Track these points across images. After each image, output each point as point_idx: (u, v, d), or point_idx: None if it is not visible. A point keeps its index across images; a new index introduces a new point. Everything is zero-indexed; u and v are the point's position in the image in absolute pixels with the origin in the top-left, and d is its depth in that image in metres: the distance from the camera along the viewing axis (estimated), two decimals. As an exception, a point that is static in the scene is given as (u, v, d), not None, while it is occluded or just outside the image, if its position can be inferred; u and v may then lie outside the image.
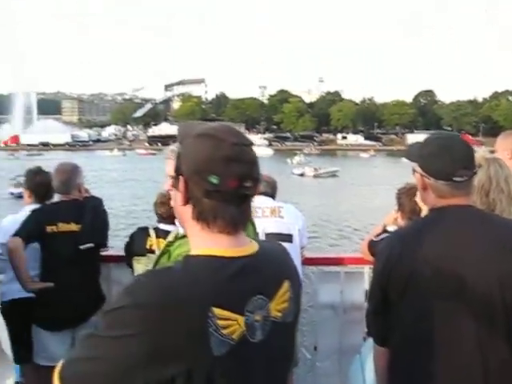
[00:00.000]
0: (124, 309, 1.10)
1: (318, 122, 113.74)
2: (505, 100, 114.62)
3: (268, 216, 3.50)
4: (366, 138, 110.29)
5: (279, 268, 1.32)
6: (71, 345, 3.47)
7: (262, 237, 3.12)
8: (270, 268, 1.28)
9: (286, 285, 1.29)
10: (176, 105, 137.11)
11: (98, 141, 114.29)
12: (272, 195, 3.68)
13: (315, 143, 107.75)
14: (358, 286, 3.70)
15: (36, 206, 3.71)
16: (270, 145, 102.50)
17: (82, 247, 3.48)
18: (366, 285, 3.65)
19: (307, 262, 3.71)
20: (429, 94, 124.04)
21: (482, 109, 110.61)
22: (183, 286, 1.13)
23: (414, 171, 1.78)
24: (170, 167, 1.89)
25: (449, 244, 1.66)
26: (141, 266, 3.32)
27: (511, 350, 1.62)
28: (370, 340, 1.98)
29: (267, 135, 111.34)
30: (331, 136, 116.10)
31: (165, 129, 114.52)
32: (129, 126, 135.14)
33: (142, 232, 3.54)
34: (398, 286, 1.69)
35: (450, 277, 1.63)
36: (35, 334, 3.48)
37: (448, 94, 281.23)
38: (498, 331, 1.62)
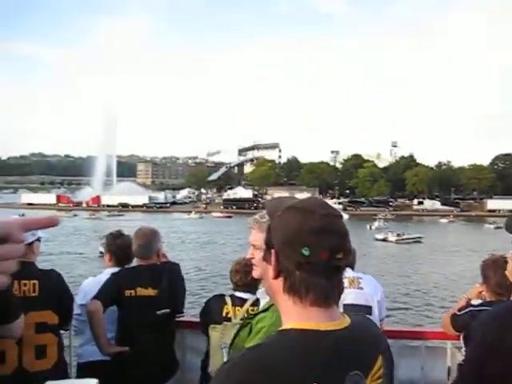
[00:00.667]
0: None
1: (392, 186, 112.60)
2: None
3: (347, 287, 3.36)
4: (442, 204, 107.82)
5: (373, 342, 1.29)
6: None
7: (340, 308, 2.84)
8: (364, 342, 1.25)
9: (380, 360, 1.25)
10: (249, 168, 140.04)
11: (174, 203, 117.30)
12: (351, 265, 3.55)
13: (390, 208, 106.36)
14: (440, 363, 3.52)
15: (115, 269, 3.75)
16: (344, 209, 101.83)
17: (158, 312, 3.48)
18: (449, 361, 3.51)
19: (386, 334, 3.41)
20: (507, 157, 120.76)
21: None
22: (282, 364, 1.10)
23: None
24: (253, 237, 1.90)
25: None
26: (216, 333, 3.18)
27: None
28: None
29: (341, 200, 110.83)
30: (406, 201, 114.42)
31: (240, 192, 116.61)
32: (202, 189, 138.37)
33: (219, 299, 3.46)
34: (496, 378, 1.52)
35: None
36: None
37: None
38: None
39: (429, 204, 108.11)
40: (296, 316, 1.19)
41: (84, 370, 3.70)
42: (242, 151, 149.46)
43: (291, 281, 1.19)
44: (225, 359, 2.93)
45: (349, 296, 3.30)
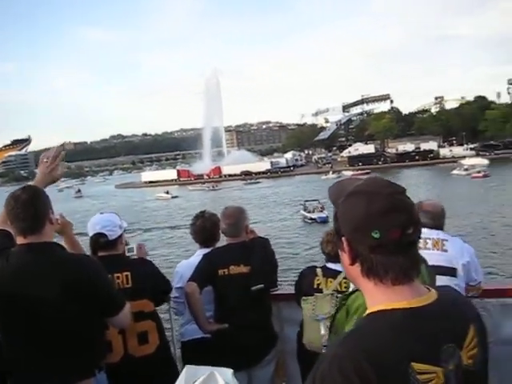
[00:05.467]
0: (330, 373, 1.11)
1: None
2: None
3: (430, 248, 3.44)
4: None
5: (463, 313, 1.29)
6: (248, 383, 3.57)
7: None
8: (454, 314, 1.25)
9: (472, 329, 1.25)
10: (360, 123, 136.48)
11: (295, 166, 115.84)
12: (436, 226, 3.56)
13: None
14: None
15: (206, 250, 3.89)
16: (477, 155, 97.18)
17: (253, 288, 3.55)
18: None
19: (486, 294, 3.58)
20: None
21: None
22: (378, 347, 1.12)
23: None
24: None
25: None
26: (308, 305, 3.42)
27: None
28: None
29: (472, 146, 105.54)
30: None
31: (360, 148, 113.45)
32: (306, 151, 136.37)
33: (310, 271, 3.71)
34: None
35: None
36: None
37: None
38: None
39: None
40: (381, 297, 1.21)
41: (187, 348, 3.96)
42: (346, 107, 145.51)
43: (368, 265, 1.21)
44: (322, 332, 3.22)
45: (431, 257, 2.98)
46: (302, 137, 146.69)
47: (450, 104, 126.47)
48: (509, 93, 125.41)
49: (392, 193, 1.20)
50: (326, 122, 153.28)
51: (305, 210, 40.69)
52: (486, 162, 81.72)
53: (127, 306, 2.82)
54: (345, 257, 1.25)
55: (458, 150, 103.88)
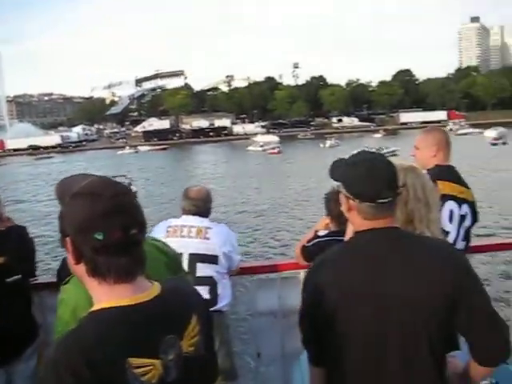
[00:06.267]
0: (46, 378, 1.15)
1: (309, 106, 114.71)
2: (481, 76, 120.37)
3: (193, 236, 3.49)
4: (360, 120, 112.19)
5: (185, 304, 1.35)
6: (6, 381, 3.37)
7: (185, 257, 3.36)
8: (176, 306, 1.31)
9: (194, 318, 1.32)
10: (152, 98, 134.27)
11: (86, 140, 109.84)
12: (201, 213, 3.59)
13: (312, 128, 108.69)
14: (295, 291, 3.53)
15: None
16: (268, 132, 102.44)
17: (8, 280, 3.29)
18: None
19: (243, 271, 3.80)
20: (407, 73, 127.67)
21: (460, 85, 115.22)
22: (95, 345, 1.14)
23: (339, 191, 1.78)
24: None
25: (372, 269, 1.67)
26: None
27: (436, 370, 1.67)
28: None
29: (262, 123, 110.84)
30: (325, 120, 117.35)
31: (155, 124, 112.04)
32: (96, 125, 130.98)
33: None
34: (326, 315, 1.67)
35: (376, 303, 1.64)
36: None
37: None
38: (423, 354, 1.64)
39: (348, 121, 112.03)
40: (104, 296, 1.23)
41: None
42: (139, 81, 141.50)
43: (92, 265, 1.22)
44: None
45: (194, 246, 3.42)
46: (94, 110, 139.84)
47: (239, 83, 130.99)
48: (293, 76, 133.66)
49: (116, 194, 1.22)
50: (113, 95, 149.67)
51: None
52: (277, 138, 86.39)
53: None
54: (70, 256, 1.26)
55: (250, 128, 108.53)
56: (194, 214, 3.54)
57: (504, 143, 61.42)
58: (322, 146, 70.80)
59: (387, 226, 1.72)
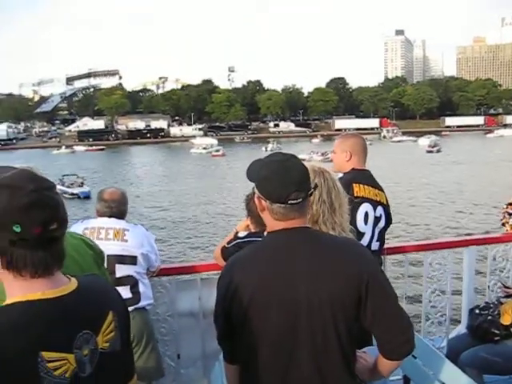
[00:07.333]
0: None
1: (246, 110, 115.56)
2: (410, 87, 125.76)
3: (111, 239, 3.47)
4: (296, 125, 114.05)
5: (102, 300, 1.35)
6: None
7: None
8: (92, 302, 1.31)
9: (110, 315, 1.32)
10: (82, 98, 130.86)
11: (16, 139, 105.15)
12: (116, 215, 3.55)
13: (249, 131, 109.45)
14: (215, 292, 3.99)
15: None
16: (205, 135, 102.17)
17: None
18: None
19: (163, 272, 3.75)
20: (340, 80, 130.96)
21: (391, 94, 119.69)
22: (7, 338, 1.12)
23: (254, 192, 1.83)
24: None
25: (281, 268, 1.71)
26: None
27: (344, 365, 1.73)
28: None
29: (200, 126, 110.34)
30: (261, 124, 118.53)
31: (90, 124, 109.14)
32: (23, 124, 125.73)
33: None
34: (239, 313, 1.71)
35: (285, 302, 1.68)
36: None
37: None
38: (332, 348, 1.70)
39: (284, 126, 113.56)
40: (19, 290, 1.21)
41: None
42: (70, 80, 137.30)
43: (7, 258, 1.19)
44: None
45: (113, 247, 3.40)
46: (20, 108, 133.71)
47: (172, 84, 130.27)
48: (229, 79, 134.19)
49: (37, 188, 1.19)
50: (35, 93, 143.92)
51: (63, 184, 36.69)
52: (215, 141, 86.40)
53: None
54: None
55: (187, 130, 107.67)
56: (109, 216, 3.49)
57: (438, 151, 64.92)
58: (263, 149, 71.48)
59: (298, 226, 1.74)
